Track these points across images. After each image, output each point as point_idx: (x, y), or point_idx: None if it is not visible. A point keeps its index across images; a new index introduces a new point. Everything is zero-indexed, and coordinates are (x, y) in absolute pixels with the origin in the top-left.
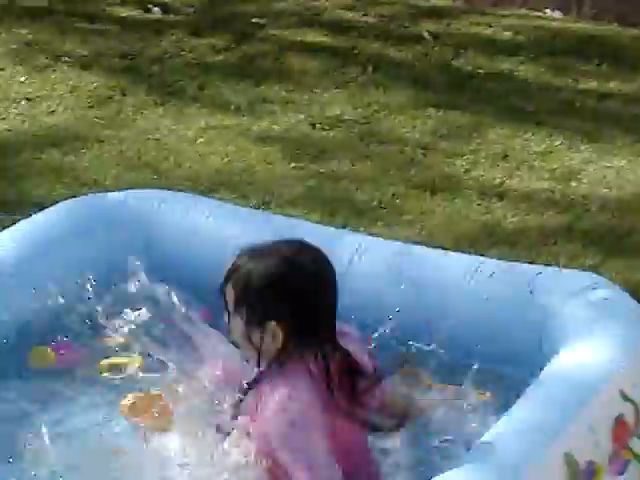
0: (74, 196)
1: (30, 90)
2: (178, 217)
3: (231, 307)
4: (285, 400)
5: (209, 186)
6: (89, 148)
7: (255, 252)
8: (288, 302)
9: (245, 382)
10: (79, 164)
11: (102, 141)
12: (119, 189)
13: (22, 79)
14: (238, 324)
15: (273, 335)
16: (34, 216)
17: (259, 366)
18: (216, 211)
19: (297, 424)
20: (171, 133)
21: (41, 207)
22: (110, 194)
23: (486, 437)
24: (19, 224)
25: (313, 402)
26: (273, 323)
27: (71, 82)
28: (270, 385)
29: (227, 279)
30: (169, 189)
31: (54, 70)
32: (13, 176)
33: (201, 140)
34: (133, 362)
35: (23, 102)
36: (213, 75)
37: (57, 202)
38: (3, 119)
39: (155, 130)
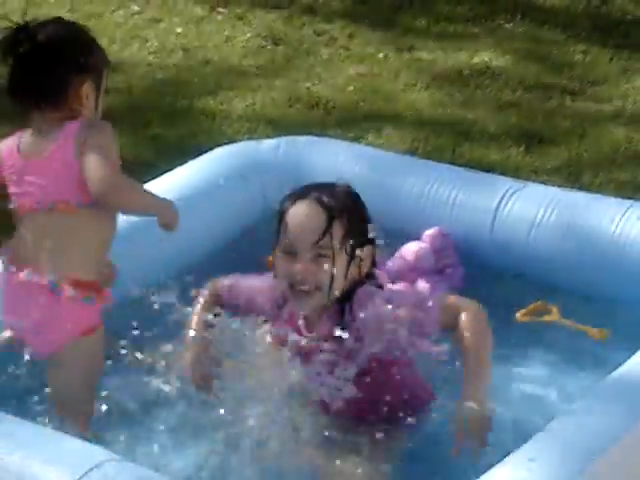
0: (229, 143)
1: (185, 41)
2: (329, 162)
3: (337, 243)
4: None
5: (359, 133)
6: (242, 97)
7: (322, 190)
8: (372, 223)
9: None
10: (233, 112)
11: (254, 90)
12: (271, 136)
13: (178, 30)
14: (342, 260)
15: (365, 259)
16: (191, 162)
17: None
18: (365, 157)
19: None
20: (321, 82)
21: (198, 153)
22: (264, 141)
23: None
24: (177, 169)
25: None
26: (369, 246)
27: (225, 33)
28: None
29: (331, 219)
30: (320, 136)
31: (208, 22)
32: (171, 124)
33: (350, 88)
34: None
35: (180, 52)
36: (362, 24)
37: (213, 149)
38: (161, 69)
39: (306, 78)
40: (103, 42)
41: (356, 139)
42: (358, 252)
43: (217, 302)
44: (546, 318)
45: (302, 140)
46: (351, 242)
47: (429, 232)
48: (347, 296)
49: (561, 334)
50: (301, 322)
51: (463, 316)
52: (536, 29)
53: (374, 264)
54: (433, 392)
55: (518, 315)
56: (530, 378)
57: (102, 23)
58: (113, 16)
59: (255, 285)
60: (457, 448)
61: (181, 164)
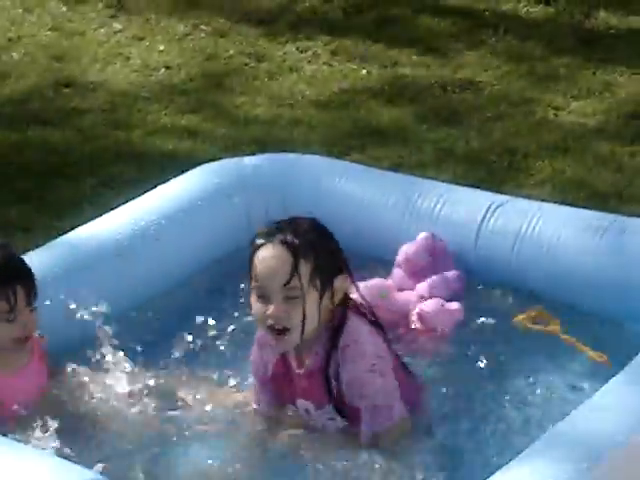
0: (212, 160)
1: (168, 58)
2: (312, 180)
3: (305, 282)
4: (374, 355)
5: (342, 149)
6: (226, 114)
7: (286, 229)
8: (341, 252)
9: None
10: (216, 129)
11: (238, 107)
12: (255, 153)
13: (161, 48)
14: (312, 299)
15: (339, 290)
16: (174, 180)
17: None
18: (349, 173)
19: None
20: (305, 98)
21: (181, 171)
22: (246, 158)
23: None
24: (160, 187)
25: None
26: (340, 276)
27: (208, 50)
28: (347, 349)
29: (297, 259)
30: (303, 153)
31: (192, 39)
32: (153, 141)
33: (333, 104)
34: None
35: (162, 70)
36: (345, 40)
37: (195, 166)
38: (143, 87)
39: (290, 95)
40: (85, 60)
41: (339, 156)
42: (329, 285)
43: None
44: (547, 328)
45: (285, 157)
46: (319, 278)
47: (421, 235)
48: (335, 327)
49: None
50: (293, 359)
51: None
52: (519, 43)
53: (347, 292)
54: (421, 386)
55: (517, 318)
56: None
57: (84, 41)
58: (95, 34)
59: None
60: None
61: (163, 182)
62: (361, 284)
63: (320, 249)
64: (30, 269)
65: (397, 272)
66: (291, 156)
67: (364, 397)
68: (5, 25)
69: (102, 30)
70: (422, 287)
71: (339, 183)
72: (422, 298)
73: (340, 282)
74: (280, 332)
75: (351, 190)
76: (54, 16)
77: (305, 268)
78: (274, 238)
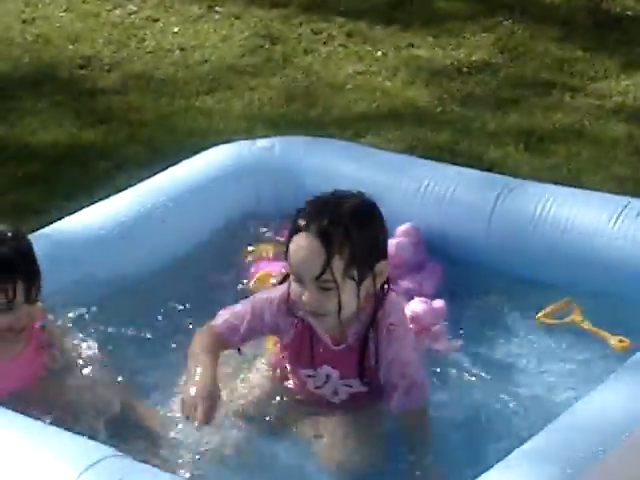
0: (225, 142)
1: (183, 40)
2: (325, 163)
3: (339, 276)
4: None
5: (357, 131)
6: (239, 96)
7: (326, 215)
8: (385, 234)
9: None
10: (231, 111)
11: (252, 89)
12: (268, 136)
13: (175, 30)
14: (349, 289)
15: (380, 274)
16: (187, 161)
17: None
18: (362, 156)
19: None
20: (320, 80)
21: (194, 152)
22: (259, 140)
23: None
24: (172, 169)
25: None
26: (382, 262)
27: (223, 32)
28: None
29: (330, 256)
30: (317, 135)
31: (206, 21)
32: (167, 123)
33: (349, 86)
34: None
35: (177, 52)
36: (360, 21)
37: (209, 148)
38: (157, 69)
39: (304, 77)
40: (99, 42)
41: (354, 138)
42: (369, 273)
43: (220, 348)
44: (567, 320)
45: (297, 140)
46: (357, 268)
47: (402, 228)
48: (376, 307)
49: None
50: (327, 336)
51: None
52: (535, 25)
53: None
54: None
55: (539, 315)
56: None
57: (99, 22)
58: (110, 15)
59: (257, 303)
60: None
61: (175, 164)
62: None
63: (359, 239)
64: (36, 266)
65: None
66: (304, 138)
67: (406, 376)
68: (19, 7)
69: (117, 11)
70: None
71: (352, 166)
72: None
73: (381, 268)
74: (318, 315)
75: (364, 173)
76: None
77: (339, 263)
78: (311, 226)
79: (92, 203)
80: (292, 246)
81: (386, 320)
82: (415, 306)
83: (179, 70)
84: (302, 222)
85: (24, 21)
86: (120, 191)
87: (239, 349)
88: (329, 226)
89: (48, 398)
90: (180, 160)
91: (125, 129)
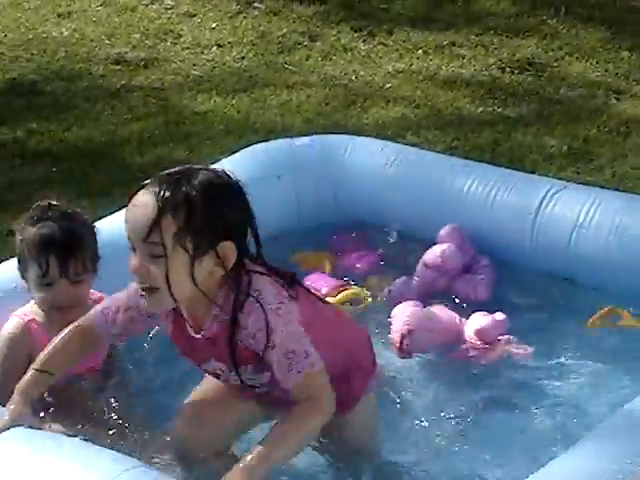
0: (263, 141)
1: (221, 36)
2: (363, 162)
3: (169, 244)
4: (278, 300)
5: (396, 131)
6: (277, 94)
7: (173, 177)
8: (235, 213)
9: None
10: (268, 109)
11: (290, 87)
12: (306, 134)
13: (213, 26)
14: (180, 261)
15: (225, 256)
16: (224, 160)
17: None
18: (401, 156)
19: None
20: (359, 78)
21: (230, 150)
22: (297, 139)
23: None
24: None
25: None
26: (227, 242)
27: (261, 28)
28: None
29: (161, 213)
30: (356, 134)
31: (244, 17)
32: (204, 121)
33: (388, 85)
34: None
35: (214, 48)
36: (401, 19)
37: (245, 146)
38: (194, 65)
39: (343, 76)
40: (135, 37)
41: (393, 138)
42: (207, 250)
43: (86, 336)
44: (618, 323)
45: (336, 139)
46: (192, 240)
47: (444, 232)
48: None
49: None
50: (187, 323)
51: (308, 405)
52: (581, 25)
53: (241, 259)
54: (368, 338)
55: (589, 321)
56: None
57: (135, 17)
58: (147, 10)
59: (133, 289)
60: None
61: (213, 162)
62: (405, 309)
63: (201, 209)
64: (76, 244)
65: (426, 273)
66: (342, 137)
67: (275, 345)
68: (55, 0)
69: (153, 6)
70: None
71: (390, 166)
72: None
73: (226, 249)
74: (148, 290)
75: (402, 173)
76: None
77: (170, 225)
78: (150, 184)
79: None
80: (128, 205)
81: (246, 305)
82: (479, 320)
83: (216, 67)
84: (147, 181)
85: (60, 15)
86: None
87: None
88: (169, 186)
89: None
90: (217, 158)
91: (161, 126)
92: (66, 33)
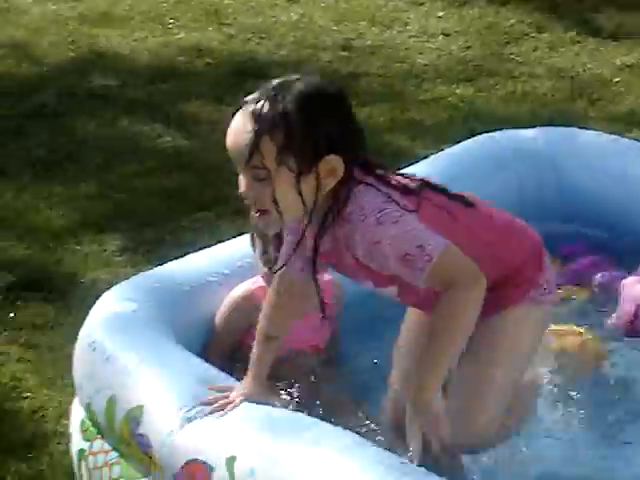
0: (487, 131)
1: (447, 25)
2: (589, 156)
3: (271, 166)
4: (379, 208)
5: (623, 126)
6: (502, 84)
7: (268, 93)
8: (337, 124)
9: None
10: (492, 99)
11: (516, 77)
12: (531, 125)
13: (440, 14)
14: (285, 179)
15: (331, 170)
16: (448, 149)
17: (309, 220)
18: (627, 152)
19: (402, 220)
20: (586, 71)
21: (453, 140)
22: (521, 131)
23: None
24: (433, 157)
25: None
26: (332, 156)
27: (488, 18)
28: (351, 216)
29: (258, 136)
30: (581, 128)
31: (471, 6)
32: (428, 109)
33: (617, 79)
34: None
35: (440, 37)
36: (631, 12)
37: (468, 136)
38: (420, 53)
39: (570, 68)
40: (362, 24)
41: (620, 132)
42: (311, 167)
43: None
44: None
45: (562, 131)
46: (295, 158)
47: None
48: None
49: None
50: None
51: (449, 291)
52: None
53: (350, 172)
54: (537, 240)
55: None
56: None
57: (363, 4)
58: None
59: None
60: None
61: (437, 151)
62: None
63: (301, 124)
64: None
65: None
66: (569, 130)
67: (387, 256)
68: None
69: None
70: None
71: (617, 161)
72: None
73: (330, 163)
74: (259, 212)
75: (630, 169)
76: None
77: (270, 147)
78: (247, 103)
79: None
80: (228, 129)
81: (353, 214)
82: None
83: (442, 56)
84: (243, 100)
85: (289, 0)
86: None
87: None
88: (264, 105)
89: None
90: (440, 147)
91: (386, 113)
92: (295, 18)
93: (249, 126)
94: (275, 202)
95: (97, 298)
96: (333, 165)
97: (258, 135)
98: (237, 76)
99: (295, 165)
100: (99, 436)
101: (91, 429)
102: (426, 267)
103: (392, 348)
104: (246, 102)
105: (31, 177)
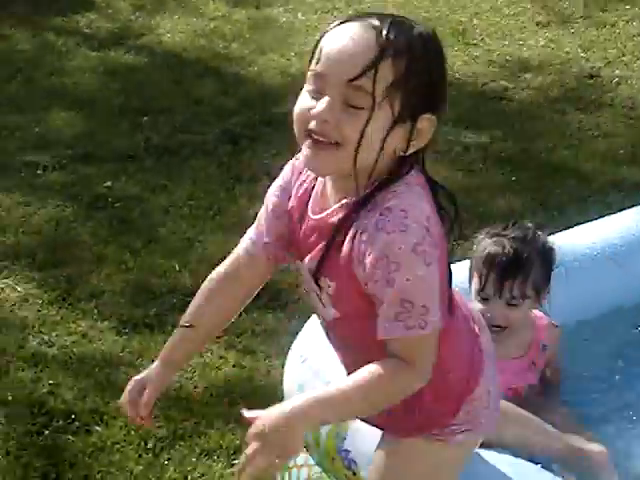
0: None
1: None
2: None
3: (380, 91)
4: (422, 234)
5: None
6: None
7: (394, 18)
8: (445, 84)
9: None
10: None
11: None
12: None
13: None
14: (381, 120)
15: (422, 131)
16: None
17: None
18: None
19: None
20: None
21: None
22: None
23: None
24: None
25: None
26: (430, 115)
27: None
28: (390, 212)
29: (382, 55)
30: None
31: None
32: None
33: None
34: None
35: None
36: None
37: None
38: None
39: None
40: (611, 53)
41: None
42: (412, 116)
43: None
44: None
45: None
46: (404, 97)
47: None
48: (387, 180)
49: None
50: (313, 195)
51: (400, 362)
52: None
53: (426, 148)
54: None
55: None
56: None
57: (614, 33)
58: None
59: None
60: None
61: None
62: None
63: (424, 64)
64: (518, 269)
65: None
66: None
67: (392, 282)
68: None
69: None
70: None
71: None
72: None
73: (427, 122)
74: (324, 145)
75: None
76: None
77: (388, 74)
78: (368, 19)
79: (586, 220)
80: (326, 39)
81: (388, 201)
82: None
83: None
84: (359, 15)
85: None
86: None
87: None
88: (392, 27)
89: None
90: None
91: (627, 146)
92: (542, 42)
93: (372, 41)
94: (362, 136)
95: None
96: (427, 125)
97: (381, 54)
98: (479, 97)
99: (398, 106)
100: (304, 450)
101: None
102: (413, 329)
103: None
104: (365, 17)
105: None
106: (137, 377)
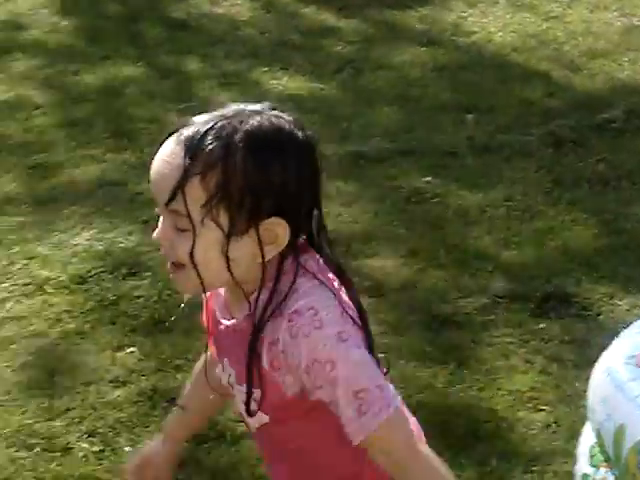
0: None
1: None
2: None
3: (196, 216)
4: (340, 321)
5: None
6: None
7: (215, 121)
8: (294, 180)
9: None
10: None
11: None
12: None
13: None
14: (211, 238)
15: (272, 237)
16: None
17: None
18: None
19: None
20: None
21: None
22: None
23: None
24: None
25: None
26: (276, 219)
27: None
28: (299, 316)
29: (187, 173)
30: None
31: None
32: None
33: None
34: None
35: None
36: None
37: None
38: None
39: None
40: None
41: None
42: (250, 226)
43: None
44: None
45: None
46: (225, 212)
47: None
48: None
49: None
50: (221, 303)
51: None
52: None
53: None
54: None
55: None
56: None
57: None
58: None
59: None
60: None
61: None
62: None
63: (245, 171)
64: None
65: None
66: None
67: (335, 382)
68: None
69: None
70: None
71: None
72: None
73: (273, 227)
74: (174, 265)
75: None
76: None
77: (198, 192)
78: (183, 130)
79: None
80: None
81: (290, 303)
82: None
83: None
84: (181, 123)
85: None
86: None
87: None
88: (205, 134)
89: None
90: None
91: None
92: None
93: (177, 159)
94: (192, 259)
95: (630, 324)
96: (276, 230)
97: (186, 172)
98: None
99: (226, 222)
100: (605, 463)
101: (598, 455)
102: (382, 412)
103: None
104: (187, 125)
105: (586, 191)
106: (142, 451)
